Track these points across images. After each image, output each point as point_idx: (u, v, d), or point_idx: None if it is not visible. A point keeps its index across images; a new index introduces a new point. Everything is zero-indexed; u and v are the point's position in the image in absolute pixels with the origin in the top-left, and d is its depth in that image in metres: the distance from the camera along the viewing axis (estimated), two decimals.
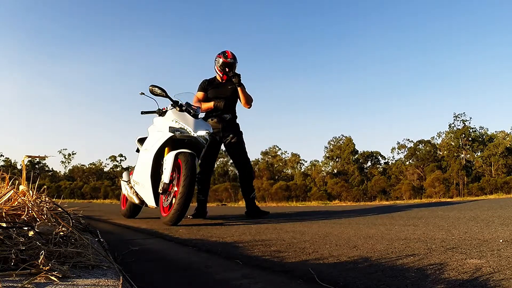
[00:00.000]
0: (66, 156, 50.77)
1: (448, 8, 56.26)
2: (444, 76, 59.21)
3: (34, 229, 1.22)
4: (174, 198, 3.05)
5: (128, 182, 4.07)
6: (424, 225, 2.53)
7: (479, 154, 38.74)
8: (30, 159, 2.02)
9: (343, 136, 44.14)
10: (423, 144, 40.97)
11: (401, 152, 42.43)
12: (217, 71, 4.17)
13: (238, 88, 4.08)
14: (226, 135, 4.13)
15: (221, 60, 4.08)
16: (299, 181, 40.48)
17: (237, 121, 4.31)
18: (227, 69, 4.07)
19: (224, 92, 4.16)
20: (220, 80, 4.19)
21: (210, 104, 4.08)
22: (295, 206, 9.16)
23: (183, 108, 3.50)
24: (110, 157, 50.15)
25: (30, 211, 1.52)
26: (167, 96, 3.51)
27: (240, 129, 4.27)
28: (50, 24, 66.85)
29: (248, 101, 4.17)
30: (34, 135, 64.66)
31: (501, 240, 1.68)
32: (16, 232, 1.17)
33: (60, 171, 51.55)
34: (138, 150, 3.99)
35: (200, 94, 4.16)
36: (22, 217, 1.47)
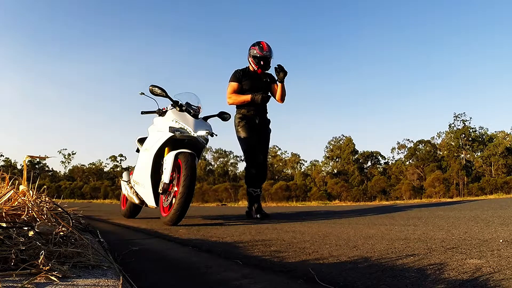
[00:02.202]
0: (66, 156, 50.80)
1: (448, 8, 56.28)
2: (444, 76, 59.23)
3: (34, 229, 1.22)
4: (174, 198, 3.05)
5: (128, 182, 4.07)
6: (424, 225, 2.53)
7: (479, 154, 38.74)
8: (30, 159, 2.02)
9: (343, 136, 44.17)
10: (423, 144, 40.97)
11: (401, 152, 42.48)
12: (251, 63, 4.07)
13: (280, 84, 4.02)
14: (259, 129, 4.11)
15: (256, 52, 3.99)
16: (299, 181, 40.46)
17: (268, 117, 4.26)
18: (261, 62, 4.01)
19: (259, 84, 4.10)
20: (253, 71, 4.11)
21: (247, 97, 3.98)
22: (295, 206, 9.15)
23: (183, 108, 3.50)
24: (110, 157, 50.20)
25: (30, 211, 1.52)
26: (167, 96, 3.51)
27: (270, 126, 4.25)
28: (50, 24, 66.85)
29: (283, 97, 4.12)
30: (34, 135, 64.67)
31: (501, 240, 1.68)
32: (16, 232, 1.17)
33: (60, 171, 51.60)
34: (138, 150, 3.99)
35: (236, 85, 4.05)
36: (22, 217, 1.47)
